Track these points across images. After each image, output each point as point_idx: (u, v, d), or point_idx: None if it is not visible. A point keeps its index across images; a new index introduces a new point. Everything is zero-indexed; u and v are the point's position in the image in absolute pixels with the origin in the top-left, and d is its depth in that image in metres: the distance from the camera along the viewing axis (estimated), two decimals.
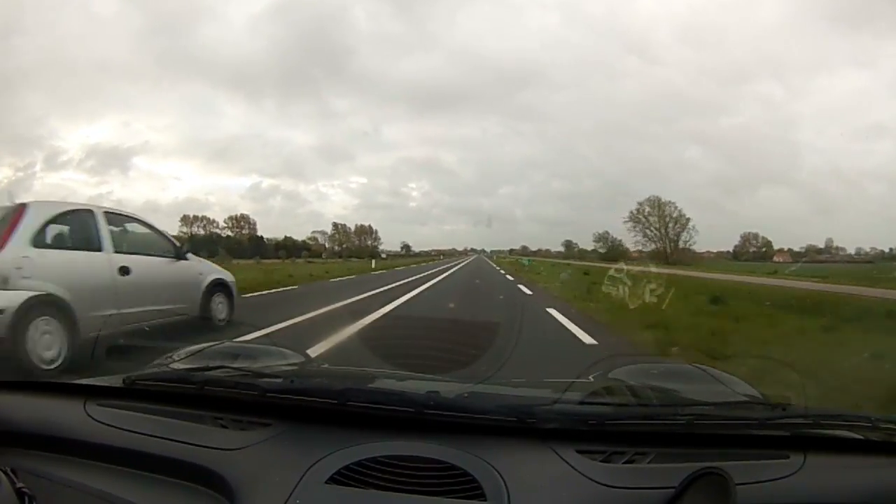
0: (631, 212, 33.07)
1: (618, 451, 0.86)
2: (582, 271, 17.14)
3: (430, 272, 15.54)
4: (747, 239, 31.49)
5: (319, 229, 37.80)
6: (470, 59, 51.07)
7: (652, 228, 32.59)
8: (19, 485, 0.73)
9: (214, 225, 33.48)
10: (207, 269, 5.27)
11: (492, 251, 38.47)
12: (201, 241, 29.99)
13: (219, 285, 5.20)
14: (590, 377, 1.17)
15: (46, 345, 3.21)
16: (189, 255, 5.00)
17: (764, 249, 31.24)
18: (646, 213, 33.15)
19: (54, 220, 3.74)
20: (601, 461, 0.84)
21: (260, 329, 3.71)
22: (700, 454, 0.85)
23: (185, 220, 32.78)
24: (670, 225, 32.54)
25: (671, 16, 52.91)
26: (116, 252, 4.04)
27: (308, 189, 53.55)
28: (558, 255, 36.14)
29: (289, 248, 34.65)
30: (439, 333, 4.54)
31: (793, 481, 0.81)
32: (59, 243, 3.76)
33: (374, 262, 27.74)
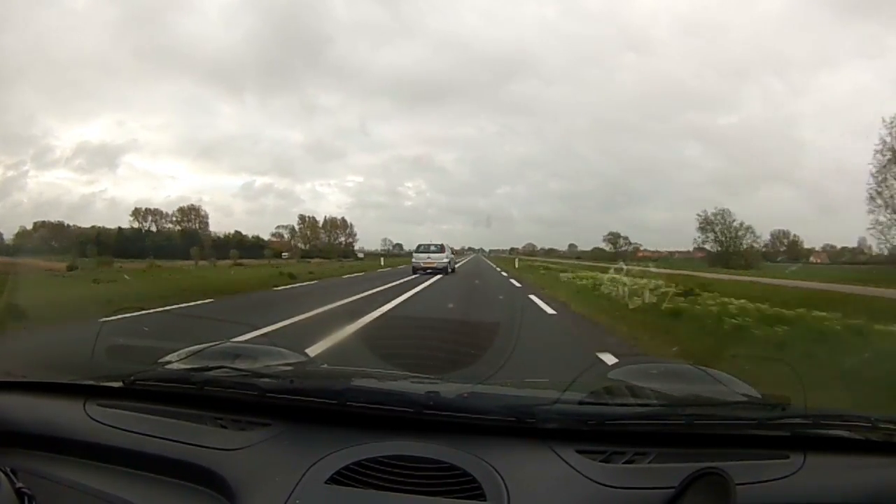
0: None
1: (618, 451, 0.86)
2: None
3: (388, 286, 10.68)
4: (777, 237, 25.55)
5: (285, 224, 32.60)
6: (462, 51, 50.12)
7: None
8: (19, 485, 0.73)
9: (167, 218, 30.44)
10: (454, 256, 20.51)
11: (490, 250, 37.48)
12: (128, 236, 27.19)
13: (454, 261, 20.33)
14: (590, 377, 1.17)
15: (451, 267, 18.52)
16: (451, 251, 19.85)
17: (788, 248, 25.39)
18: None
19: (447, 246, 19.25)
20: (601, 461, 0.84)
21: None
22: (700, 454, 0.85)
23: (137, 213, 30.29)
24: None
25: (670, 9, 52.04)
26: (452, 251, 19.84)
27: (303, 188, 52.95)
28: (565, 254, 30.67)
29: (223, 247, 28.32)
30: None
31: (793, 481, 0.81)
32: (449, 249, 19.16)
33: (343, 263, 24.55)
